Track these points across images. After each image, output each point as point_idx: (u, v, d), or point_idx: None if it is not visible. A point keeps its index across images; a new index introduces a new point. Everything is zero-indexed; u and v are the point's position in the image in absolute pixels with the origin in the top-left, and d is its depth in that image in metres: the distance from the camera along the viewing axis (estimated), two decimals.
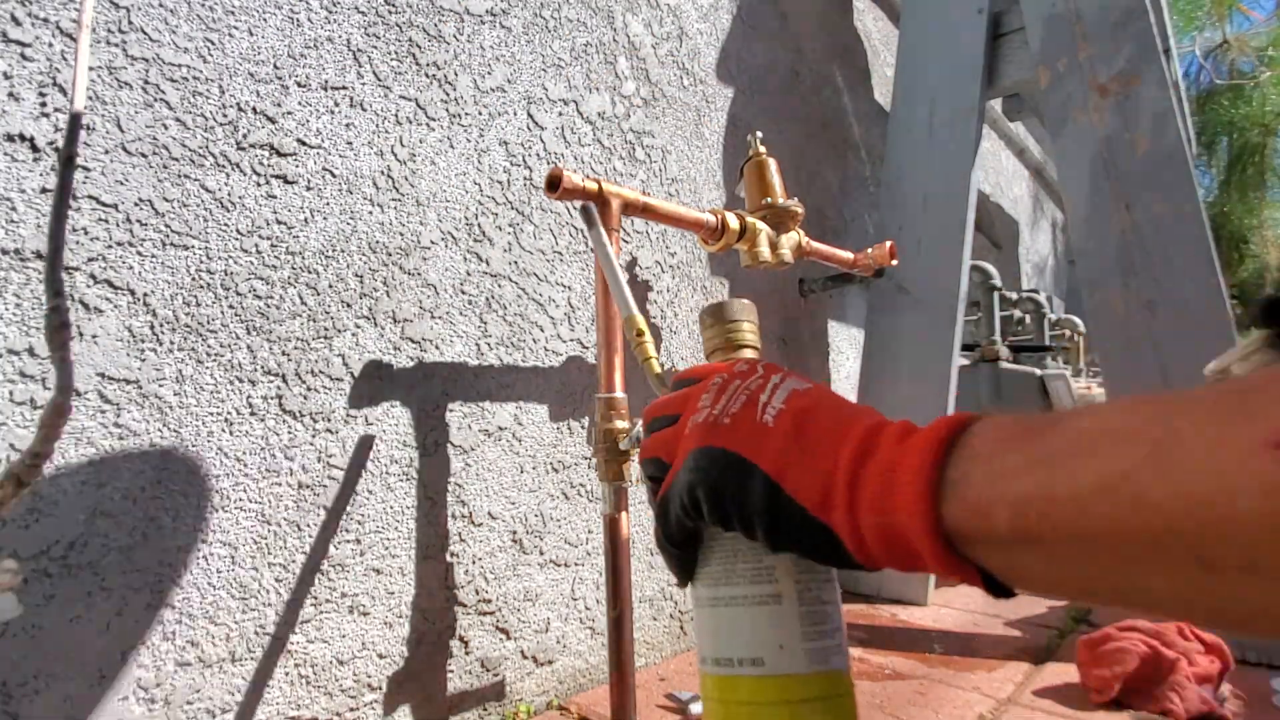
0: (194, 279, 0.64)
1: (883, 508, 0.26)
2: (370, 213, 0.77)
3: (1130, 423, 0.22)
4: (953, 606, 1.41)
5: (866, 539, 0.27)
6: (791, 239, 1.04)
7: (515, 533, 0.90)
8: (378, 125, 0.78)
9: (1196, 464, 0.20)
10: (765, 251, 0.99)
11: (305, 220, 0.71)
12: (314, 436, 0.71)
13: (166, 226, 0.62)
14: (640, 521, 1.07)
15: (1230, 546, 0.19)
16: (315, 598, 0.71)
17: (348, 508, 0.74)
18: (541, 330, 0.94)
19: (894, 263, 1.20)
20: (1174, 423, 0.21)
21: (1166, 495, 0.20)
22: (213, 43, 0.65)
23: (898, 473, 0.25)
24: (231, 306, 0.66)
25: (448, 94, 0.84)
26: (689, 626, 1.14)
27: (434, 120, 0.83)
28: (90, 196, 0.58)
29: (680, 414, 0.34)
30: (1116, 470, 0.21)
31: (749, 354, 0.42)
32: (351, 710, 0.73)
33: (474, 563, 0.85)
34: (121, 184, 0.60)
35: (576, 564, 0.97)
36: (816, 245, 1.11)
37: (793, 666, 0.30)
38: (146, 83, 0.61)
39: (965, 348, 1.91)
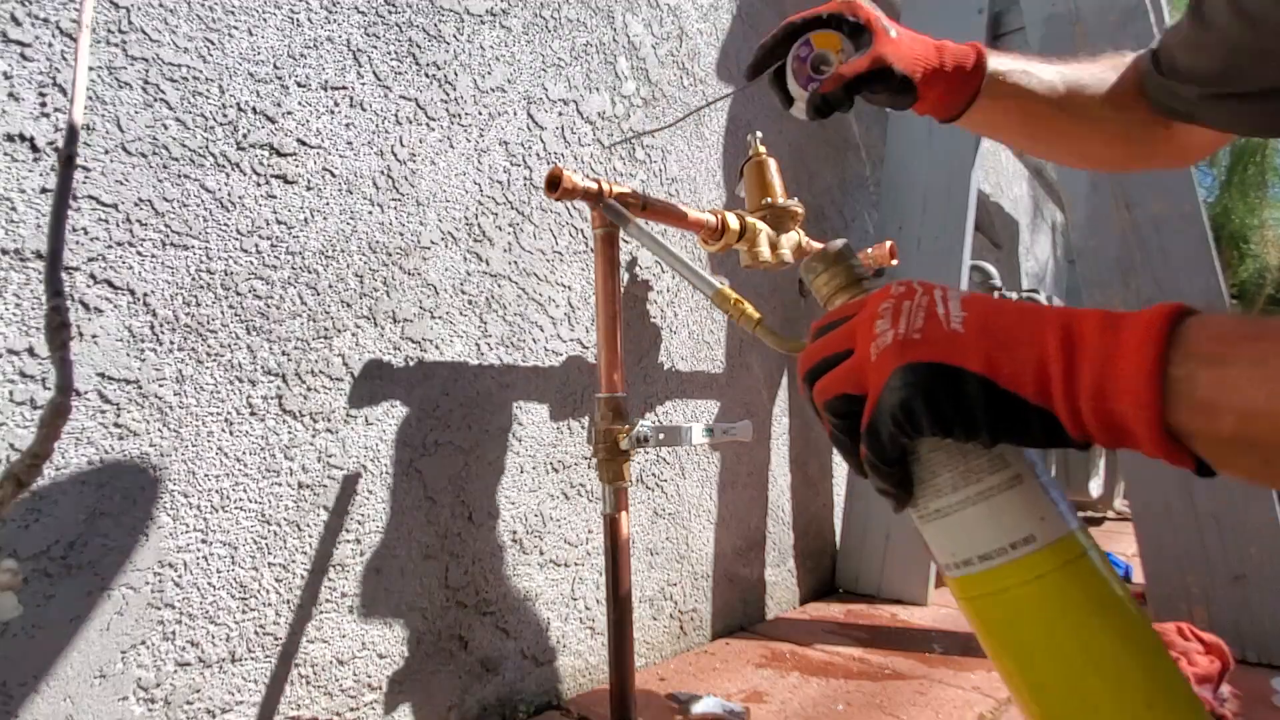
0: (194, 279, 0.64)
1: (1104, 397, 0.27)
2: (370, 213, 0.77)
3: None
4: (953, 607, 1.41)
5: (1087, 424, 0.29)
6: (791, 239, 1.03)
7: (515, 533, 0.90)
8: (378, 125, 0.78)
9: None
10: (765, 251, 0.99)
11: (305, 220, 0.71)
12: (314, 436, 0.71)
13: (166, 226, 0.62)
14: (640, 521, 1.07)
15: None
16: (315, 598, 0.71)
17: (348, 508, 0.74)
18: (541, 330, 0.94)
19: (894, 263, 1.20)
20: None
21: None
22: (213, 43, 0.65)
23: (1119, 364, 0.27)
24: (231, 306, 0.66)
25: (448, 94, 0.84)
26: (689, 626, 1.14)
27: (434, 120, 0.83)
28: (90, 196, 0.58)
29: (851, 348, 0.35)
30: None
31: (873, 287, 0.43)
32: (351, 710, 0.73)
33: (474, 563, 0.85)
34: (121, 184, 0.60)
35: (576, 564, 0.97)
36: (817, 245, 1.11)
37: (1060, 529, 0.32)
38: (146, 83, 0.61)
39: None
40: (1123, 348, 0.27)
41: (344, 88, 0.75)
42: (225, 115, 0.66)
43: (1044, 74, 0.61)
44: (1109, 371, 0.27)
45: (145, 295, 0.61)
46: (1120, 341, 0.27)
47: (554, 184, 0.75)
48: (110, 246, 0.59)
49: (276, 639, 0.68)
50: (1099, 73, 0.61)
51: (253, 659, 0.66)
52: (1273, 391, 0.24)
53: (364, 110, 0.76)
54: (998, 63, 0.60)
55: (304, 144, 0.71)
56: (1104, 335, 0.28)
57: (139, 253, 0.61)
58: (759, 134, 1.12)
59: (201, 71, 0.64)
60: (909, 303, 0.34)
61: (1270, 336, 0.25)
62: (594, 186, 0.79)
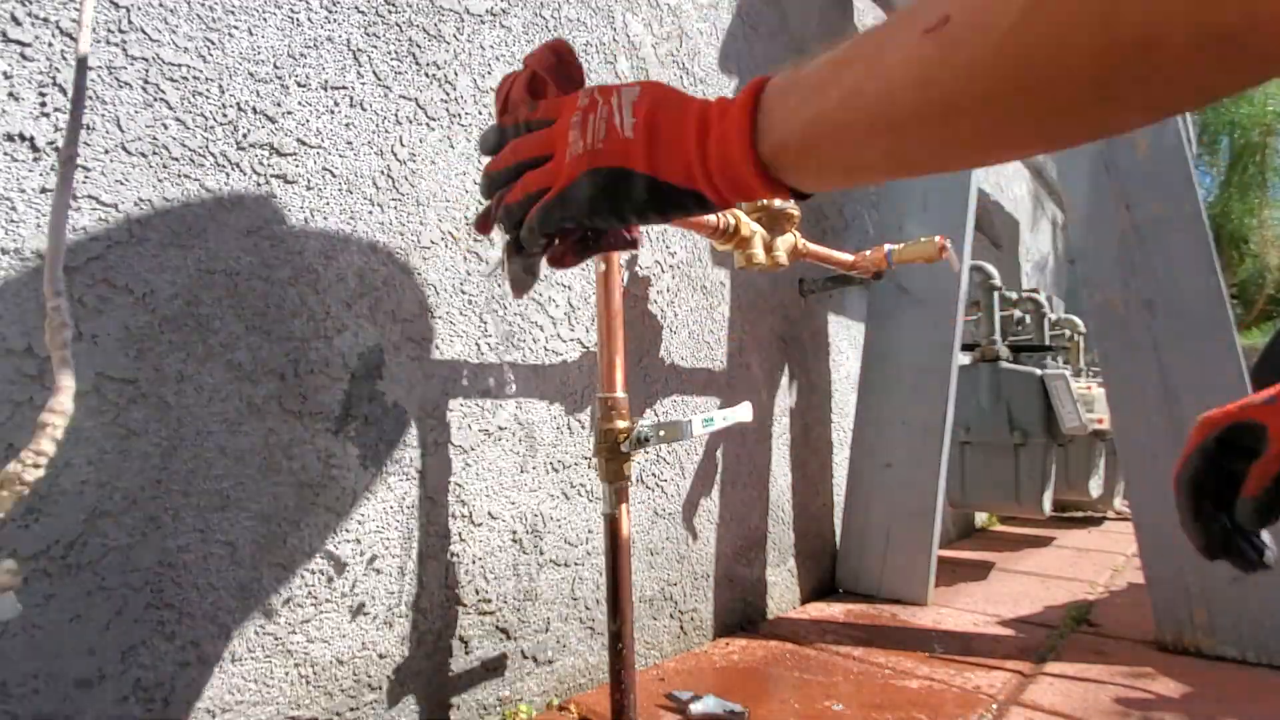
0: (194, 279, 0.64)
1: (725, 165, 0.37)
2: (370, 212, 0.77)
3: (861, 50, 0.31)
4: (953, 606, 1.41)
5: (720, 189, 0.38)
6: (787, 241, 1.04)
7: (515, 532, 0.90)
8: (378, 125, 0.78)
9: (890, 62, 0.29)
10: (760, 253, 0.99)
11: (305, 220, 0.71)
12: (314, 436, 0.71)
13: (166, 226, 0.62)
14: (640, 521, 1.07)
15: (907, 110, 0.29)
16: (315, 598, 0.71)
17: (348, 508, 0.74)
18: (541, 330, 0.94)
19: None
20: (881, 40, 0.30)
21: (876, 90, 0.30)
22: (213, 43, 0.65)
23: (728, 140, 0.36)
24: (231, 306, 0.66)
25: (448, 94, 0.84)
26: (689, 626, 1.14)
27: (434, 120, 0.83)
28: (90, 196, 0.58)
29: (550, 153, 0.43)
30: (849, 86, 0.31)
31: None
32: (351, 710, 0.73)
33: (474, 563, 0.85)
34: (121, 184, 0.60)
35: (576, 564, 0.97)
36: (813, 247, 1.11)
37: None
38: (146, 82, 0.61)
39: (965, 347, 1.91)
40: (729, 126, 0.36)
41: (344, 88, 0.75)
42: (225, 115, 0.66)
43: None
44: (724, 147, 0.36)
45: (145, 295, 0.61)
46: (727, 121, 0.36)
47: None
48: (110, 246, 0.59)
49: (276, 639, 0.68)
50: None
51: (253, 659, 0.66)
52: (807, 113, 0.33)
53: (364, 110, 0.76)
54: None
55: (304, 144, 0.71)
56: (721, 122, 0.37)
57: (139, 252, 0.61)
58: None
59: (201, 71, 0.64)
60: (593, 115, 0.42)
61: (806, 73, 0.34)
62: None
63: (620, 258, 0.82)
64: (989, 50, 0.27)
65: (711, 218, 0.94)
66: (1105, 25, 0.24)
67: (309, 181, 0.72)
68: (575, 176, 0.41)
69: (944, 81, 0.28)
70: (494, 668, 0.86)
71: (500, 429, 0.88)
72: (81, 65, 0.43)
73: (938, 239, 1.19)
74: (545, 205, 0.42)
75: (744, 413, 0.84)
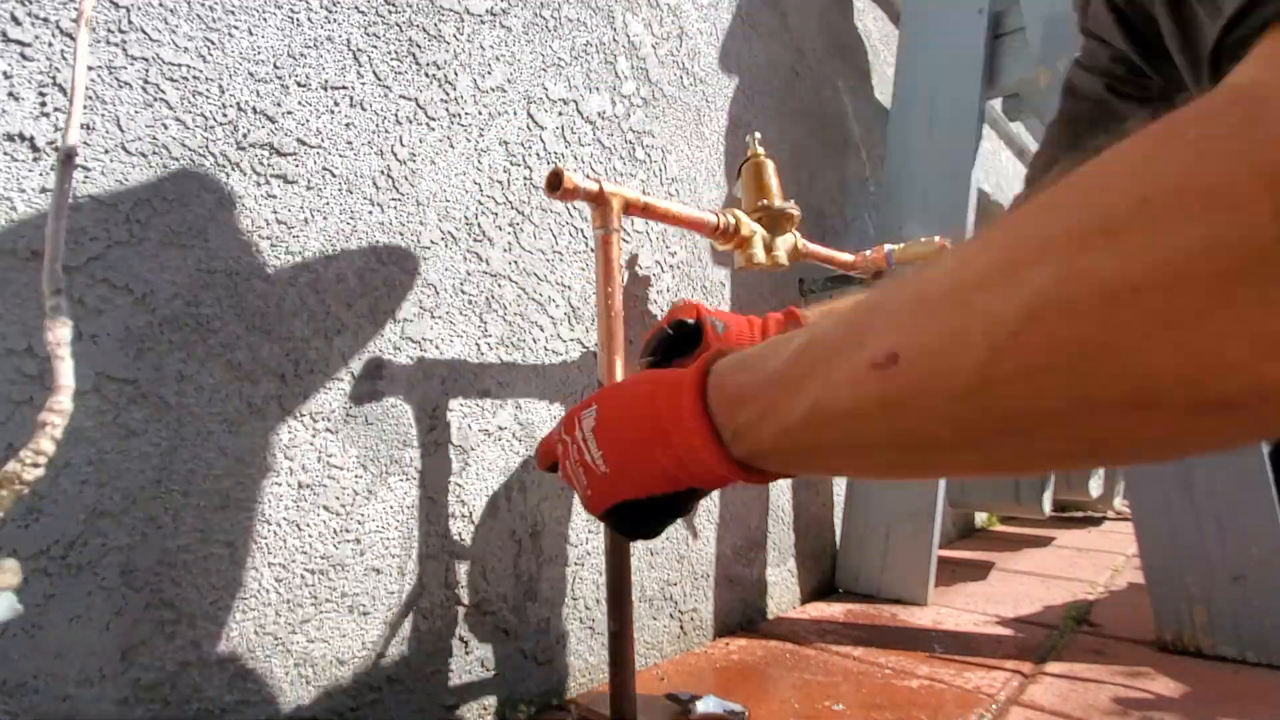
0: (194, 278, 0.64)
1: (705, 472, 0.37)
2: (370, 212, 0.77)
3: (802, 365, 0.31)
4: (953, 606, 1.41)
5: (708, 484, 0.40)
6: (787, 241, 1.04)
7: (515, 532, 0.90)
8: (378, 125, 0.78)
9: (840, 390, 0.28)
10: (760, 254, 0.99)
11: (305, 220, 0.71)
12: (314, 436, 0.71)
13: (166, 226, 0.62)
14: None
15: (872, 439, 0.28)
16: (315, 598, 0.71)
17: (348, 508, 0.74)
18: (541, 330, 0.94)
19: (893, 265, 1.20)
20: (831, 354, 0.29)
21: (837, 415, 0.29)
22: (213, 42, 0.65)
23: (696, 451, 0.37)
24: (231, 306, 0.66)
25: (448, 94, 0.84)
26: (689, 626, 1.14)
27: (434, 120, 0.83)
28: (90, 196, 0.58)
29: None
30: (809, 407, 0.30)
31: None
32: (352, 710, 0.73)
33: (474, 562, 0.85)
34: (121, 184, 0.60)
35: (576, 564, 0.97)
36: (814, 248, 1.11)
37: None
38: (146, 82, 0.61)
39: None
40: (693, 440, 0.36)
41: (344, 87, 0.75)
42: (225, 115, 0.66)
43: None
44: (695, 458, 0.37)
45: (145, 295, 0.61)
46: (686, 432, 0.37)
47: (554, 184, 0.75)
48: (110, 246, 0.59)
49: (276, 639, 0.68)
50: None
51: (253, 659, 0.66)
52: (766, 432, 0.33)
53: (364, 110, 0.76)
54: (816, 313, 0.76)
55: (304, 144, 0.71)
56: (679, 430, 0.37)
57: (139, 252, 0.61)
58: (758, 135, 1.12)
59: (201, 71, 0.64)
60: (568, 461, 0.46)
61: (774, 385, 0.33)
62: (594, 186, 0.79)
63: (620, 258, 0.82)
64: (946, 401, 0.24)
65: (711, 218, 0.94)
66: (1084, 381, 0.22)
67: (309, 181, 0.72)
68: (603, 519, 0.45)
69: (902, 422, 0.26)
70: (494, 668, 0.86)
71: (500, 429, 0.88)
72: (81, 65, 0.43)
73: (938, 239, 1.19)
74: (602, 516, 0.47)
75: None
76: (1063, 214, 0.22)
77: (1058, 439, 0.24)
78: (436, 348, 0.82)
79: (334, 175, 0.74)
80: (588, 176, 0.78)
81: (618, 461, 0.41)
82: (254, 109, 0.68)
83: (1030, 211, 0.23)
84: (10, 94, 0.54)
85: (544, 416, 0.94)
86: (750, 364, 0.35)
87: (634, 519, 0.43)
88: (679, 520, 1.13)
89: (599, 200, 0.80)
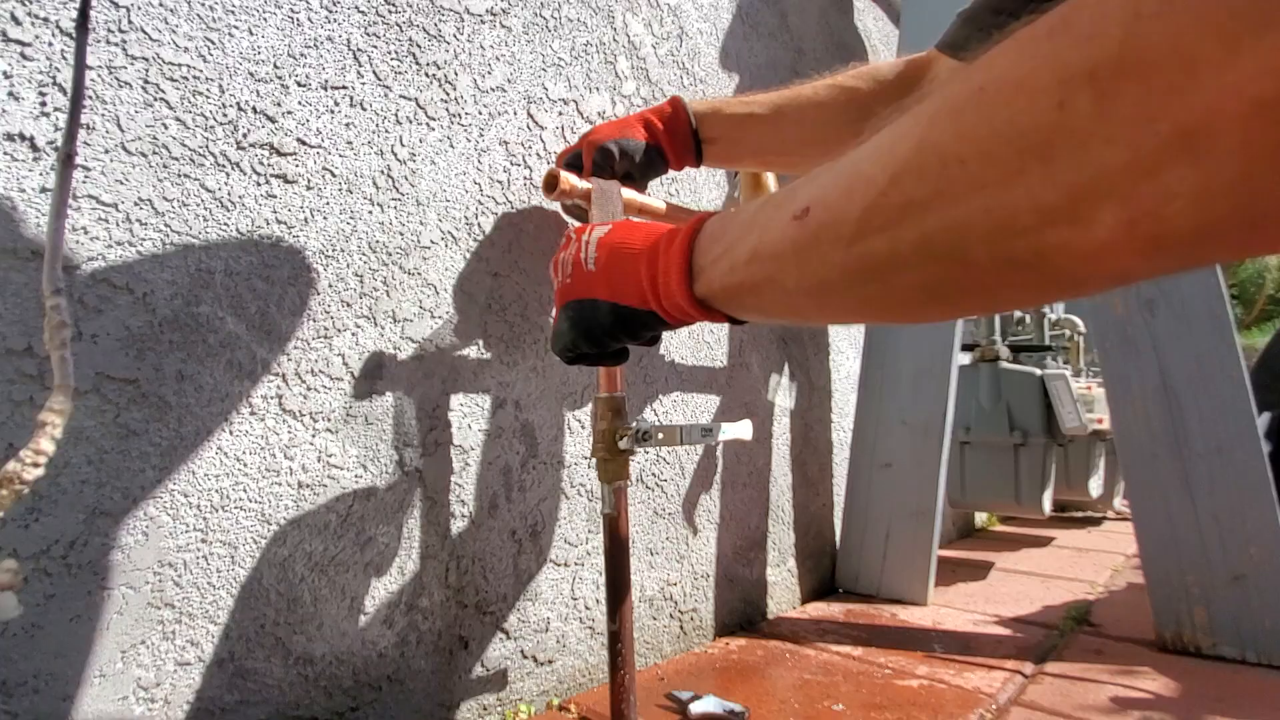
0: (194, 278, 0.64)
1: (670, 295, 0.44)
2: (370, 212, 0.77)
3: (760, 216, 0.37)
4: (953, 606, 1.41)
5: (669, 311, 0.46)
6: None
7: (515, 532, 0.90)
8: (378, 125, 0.78)
9: (771, 238, 0.35)
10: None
11: (305, 220, 0.71)
12: (314, 436, 0.71)
13: (166, 226, 0.62)
14: (640, 521, 1.07)
15: (791, 282, 0.35)
16: (315, 597, 0.71)
17: (348, 508, 0.74)
18: (541, 330, 0.94)
19: None
20: (772, 210, 0.36)
21: (767, 260, 0.36)
22: (213, 42, 0.65)
23: (670, 277, 0.43)
24: (231, 306, 0.66)
25: (448, 94, 0.84)
26: (689, 626, 1.14)
27: (434, 120, 0.83)
28: (90, 196, 0.58)
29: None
30: (749, 251, 0.37)
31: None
32: (351, 710, 0.73)
33: (474, 562, 0.85)
34: (121, 183, 0.60)
35: (576, 564, 0.97)
36: None
37: None
38: (146, 82, 0.61)
39: (965, 347, 1.91)
40: (670, 265, 0.43)
41: (344, 87, 0.75)
42: (225, 115, 0.66)
43: (756, 101, 0.75)
44: (668, 285, 0.43)
45: (145, 295, 0.61)
46: (669, 256, 0.43)
47: (551, 185, 0.75)
48: (110, 246, 0.59)
49: (276, 639, 0.68)
50: (832, 83, 0.72)
51: (253, 659, 0.66)
52: (723, 268, 0.40)
53: (364, 110, 0.76)
54: (709, 104, 0.76)
55: (304, 143, 0.71)
56: (666, 254, 0.44)
57: (139, 252, 0.61)
58: None
59: (201, 71, 0.64)
60: (565, 255, 0.52)
61: (725, 230, 0.40)
62: (592, 187, 0.78)
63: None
64: (838, 245, 0.31)
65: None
66: (924, 238, 0.27)
67: (309, 181, 0.72)
68: (566, 308, 0.50)
69: (811, 263, 0.33)
70: (494, 668, 0.86)
71: (500, 429, 0.88)
72: (80, 64, 0.43)
73: None
74: (554, 347, 0.53)
75: (745, 430, 0.84)
76: (932, 100, 0.27)
77: (906, 284, 0.30)
78: (436, 348, 0.82)
79: (334, 175, 0.74)
80: (583, 177, 0.78)
81: (606, 262, 0.48)
82: (254, 109, 0.68)
83: (917, 99, 0.29)
84: (10, 94, 0.54)
85: (544, 416, 0.94)
86: (725, 217, 0.42)
87: (592, 320, 0.49)
88: (681, 518, 1.13)
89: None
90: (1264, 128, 0.17)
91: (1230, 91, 0.18)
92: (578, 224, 0.60)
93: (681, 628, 1.13)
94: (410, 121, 0.81)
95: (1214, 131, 0.18)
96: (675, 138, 0.74)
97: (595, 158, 0.73)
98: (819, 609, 1.39)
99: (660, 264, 0.44)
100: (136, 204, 0.60)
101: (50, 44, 0.56)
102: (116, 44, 0.59)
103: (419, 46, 0.82)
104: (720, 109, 0.75)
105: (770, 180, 1.06)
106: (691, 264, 0.42)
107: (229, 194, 0.66)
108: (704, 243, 0.42)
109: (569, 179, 0.75)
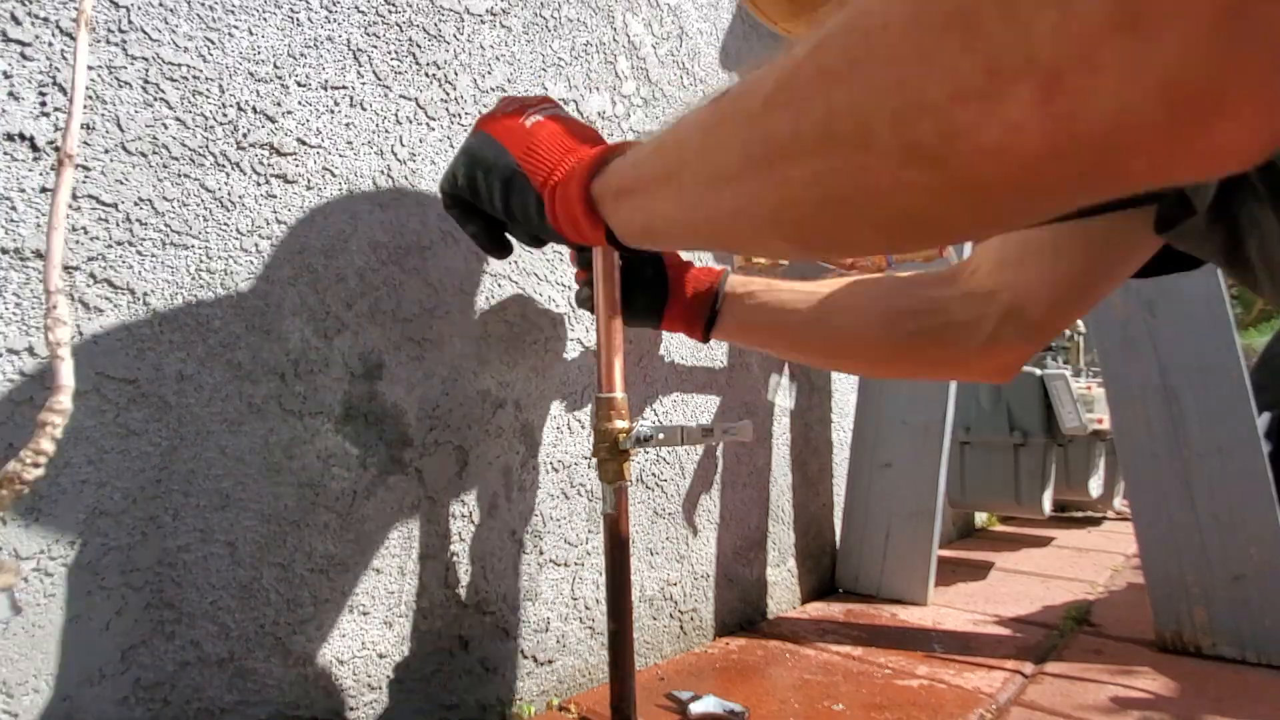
0: (194, 278, 0.64)
1: (565, 199, 0.45)
2: (370, 212, 0.77)
3: (680, 119, 0.37)
4: (953, 607, 1.41)
5: (557, 210, 0.46)
6: None
7: (515, 532, 0.90)
8: (378, 125, 0.78)
9: (681, 126, 0.36)
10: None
11: (305, 220, 0.71)
12: (314, 436, 0.71)
13: (166, 226, 0.62)
14: (640, 521, 1.07)
15: (687, 165, 0.35)
16: (315, 597, 0.71)
17: (348, 507, 0.74)
18: (541, 330, 0.94)
19: (892, 264, 1.20)
20: (689, 115, 0.36)
21: (668, 145, 0.37)
22: (213, 42, 0.65)
23: (571, 185, 0.44)
24: (231, 306, 0.66)
25: (448, 94, 0.84)
26: (689, 626, 1.14)
27: (434, 120, 0.83)
28: (90, 196, 0.58)
29: None
30: (650, 145, 0.38)
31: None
32: (351, 710, 0.73)
33: (474, 563, 0.85)
34: (121, 183, 0.60)
35: (576, 563, 0.97)
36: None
37: None
38: (146, 82, 0.61)
39: None
40: (575, 177, 0.44)
41: (344, 87, 0.75)
42: (225, 115, 0.66)
43: (791, 292, 0.71)
44: (568, 189, 0.44)
45: (145, 294, 0.61)
46: (576, 171, 0.44)
47: None
48: (110, 246, 0.59)
49: (276, 639, 0.68)
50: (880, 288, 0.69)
51: (253, 659, 0.66)
52: (637, 157, 0.40)
53: (364, 110, 0.76)
54: (740, 283, 0.75)
55: (304, 143, 0.71)
56: (580, 151, 0.46)
57: (139, 252, 0.61)
58: None
59: (201, 71, 0.64)
60: (517, 101, 0.54)
61: (635, 168, 0.41)
62: None
63: (620, 258, 0.82)
64: (741, 122, 0.30)
65: None
66: (829, 114, 0.25)
67: (309, 181, 0.72)
68: (469, 140, 0.53)
69: (711, 147, 0.32)
70: (494, 668, 0.86)
71: (500, 429, 0.88)
72: (80, 63, 0.43)
73: None
74: (443, 175, 0.56)
75: (744, 431, 0.84)
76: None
77: (801, 177, 0.27)
78: (436, 348, 0.82)
79: (334, 175, 0.74)
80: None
81: (541, 132, 0.50)
82: (254, 109, 0.68)
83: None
84: (10, 94, 0.54)
85: (544, 416, 0.94)
86: (634, 158, 0.42)
87: (489, 163, 0.51)
88: (681, 518, 1.13)
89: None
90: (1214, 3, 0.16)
91: None
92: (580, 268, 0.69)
93: (681, 628, 1.13)
94: (410, 121, 0.81)
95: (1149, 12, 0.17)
96: (690, 315, 0.78)
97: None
98: (819, 609, 1.39)
99: (571, 171, 0.45)
100: (136, 204, 0.60)
101: (50, 44, 0.56)
102: (116, 44, 0.59)
103: (419, 46, 0.82)
104: (740, 299, 0.73)
105: None
106: (604, 160, 0.43)
107: (229, 194, 0.66)
108: (623, 147, 0.43)
109: None
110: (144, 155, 0.61)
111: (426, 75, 0.82)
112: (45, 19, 0.56)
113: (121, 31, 0.60)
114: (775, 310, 0.70)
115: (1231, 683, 1.01)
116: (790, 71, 0.27)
